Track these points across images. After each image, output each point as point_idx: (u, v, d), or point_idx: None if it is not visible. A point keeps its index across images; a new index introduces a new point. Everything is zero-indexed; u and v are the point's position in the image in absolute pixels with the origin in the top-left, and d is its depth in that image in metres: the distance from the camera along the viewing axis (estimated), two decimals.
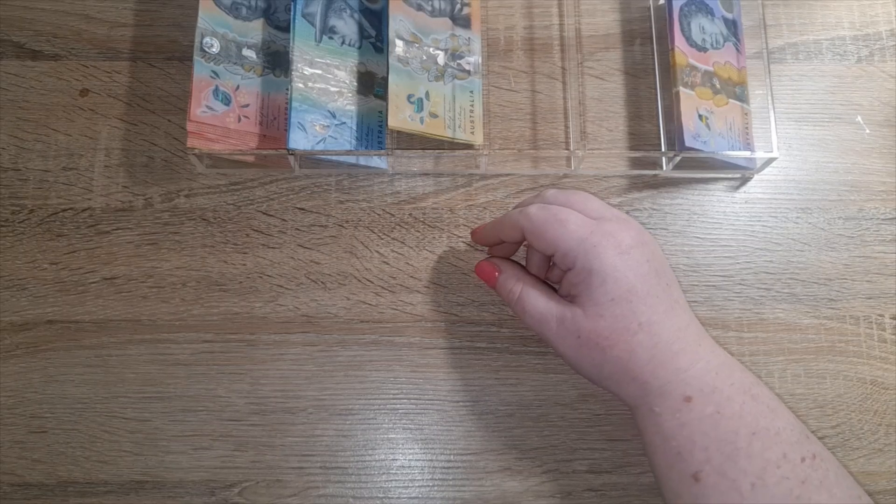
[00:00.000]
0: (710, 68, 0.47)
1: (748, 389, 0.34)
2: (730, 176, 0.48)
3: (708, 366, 0.35)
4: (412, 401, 0.44)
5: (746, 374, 0.36)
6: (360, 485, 0.43)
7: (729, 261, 0.46)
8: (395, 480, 0.43)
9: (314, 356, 0.44)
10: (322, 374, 0.44)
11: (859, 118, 0.49)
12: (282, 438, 0.43)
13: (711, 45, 0.47)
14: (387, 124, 0.43)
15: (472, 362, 0.45)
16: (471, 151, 0.46)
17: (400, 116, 0.44)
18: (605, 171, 0.47)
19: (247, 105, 0.45)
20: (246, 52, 0.46)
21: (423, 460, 0.43)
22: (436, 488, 0.43)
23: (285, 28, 0.47)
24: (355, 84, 0.46)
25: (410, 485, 0.43)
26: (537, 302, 0.37)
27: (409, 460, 0.43)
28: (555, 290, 0.39)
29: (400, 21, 0.45)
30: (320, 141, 0.44)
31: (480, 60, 0.47)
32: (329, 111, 0.45)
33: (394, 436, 0.44)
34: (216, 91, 0.44)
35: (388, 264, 0.46)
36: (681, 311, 0.36)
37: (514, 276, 0.39)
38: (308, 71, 0.45)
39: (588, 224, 0.36)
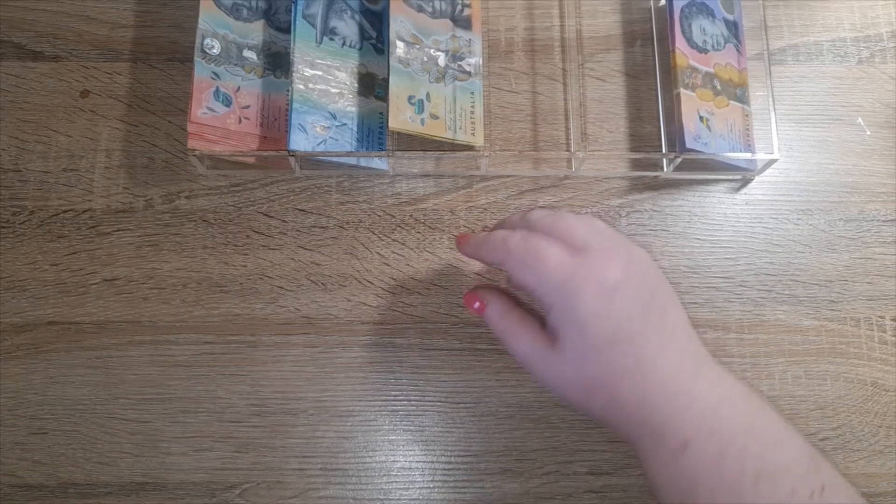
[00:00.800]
0: (711, 70, 0.47)
1: (752, 424, 0.32)
2: (730, 177, 0.48)
3: (707, 404, 0.32)
4: (413, 402, 0.44)
5: (750, 403, 0.33)
6: (360, 486, 0.43)
7: (729, 262, 0.46)
8: (396, 482, 0.43)
9: (315, 357, 0.44)
10: (323, 376, 0.44)
11: (860, 120, 0.49)
12: (282, 440, 0.43)
13: (712, 46, 0.47)
14: (387, 125, 0.43)
15: (473, 364, 0.44)
16: (471, 153, 0.46)
17: (401, 118, 0.44)
18: (605, 172, 0.47)
19: (247, 106, 0.45)
20: (247, 53, 0.46)
21: (424, 462, 0.43)
22: (436, 490, 0.43)
23: (286, 29, 0.47)
24: (356, 85, 0.46)
25: (411, 486, 0.43)
26: (520, 344, 0.35)
27: (409, 462, 0.43)
28: (541, 321, 0.36)
29: (401, 22, 0.45)
30: (321, 142, 0.44)
31: (481, 62, 0.47)
32: (330, 112, 0.45)
33: (394, 437, 0.44)
34: (217, 92, 0.44)
35: (388, 266, 0.46)
36: (675, 345, 0.33)
37: (499, 312, 0.37)
38: (309, 72, 0.45)
39: (568, 265, 0.33)
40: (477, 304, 0.37)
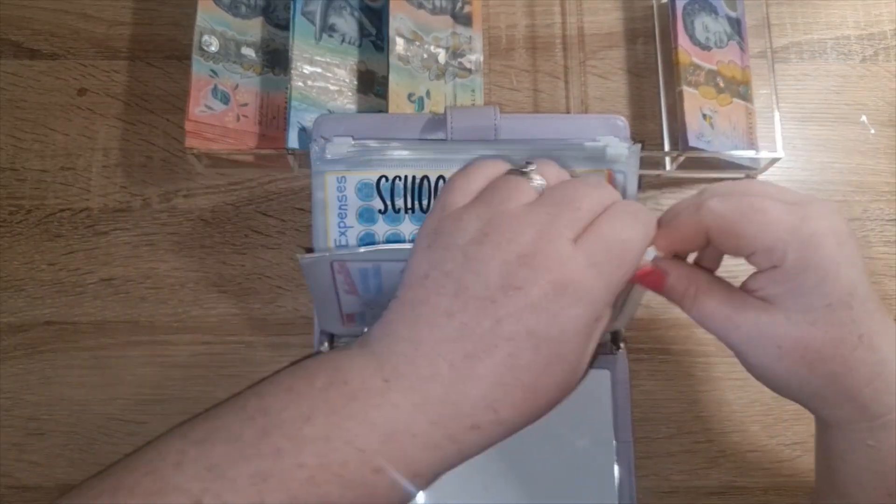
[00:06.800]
0: (714, 67, 0.46)
1: None
2: (734, 176, 0.47)
3: None
4: None
5: None
6: None
7: (733, 262, 0.46)
8: None
9: None
10: None
11: (864, 118, 0.49)
12: None
13: (715, 43, 0.47)
14: None
15: None
16: None
17: None
18: None
19: (246, 104, 0.45)
20: (245, 50, 0.46)
21: None
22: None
23: (285, 26, 0.47)
24: (355, 83, 0.46)
25: None
26: (720, 305, 0.30)
27: None
28: (733, 286, 0.32)
29: (400, 19, 0.45)
30: None
31: (482, 59, 0.47)
32: (329, 110, 0.44)
33: None
34: (215, 90, 0.44)
35: None
36: (890, 318, 0.29)
37: (686, 277, 0.31)
38: (307, 69, 0.44)
39: (794, 210, 0.28)
40: (659, 274, 0.31)
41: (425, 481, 0.27)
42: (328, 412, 0.25)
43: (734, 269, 0.45)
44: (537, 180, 0.29)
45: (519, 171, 0.29)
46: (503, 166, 0.31)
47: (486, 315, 0.26)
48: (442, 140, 0.36)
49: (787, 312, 0.29)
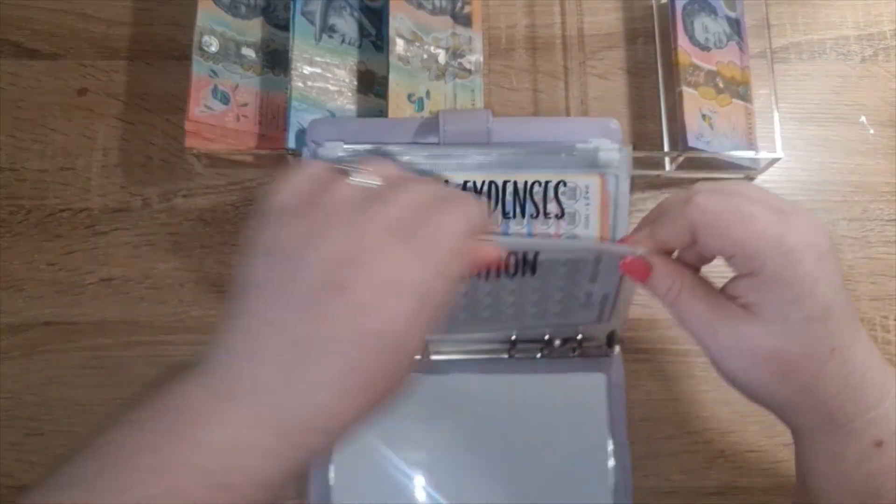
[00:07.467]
0: (714, 67, 0.46)
1: None
2: (733, 176, 0.47)
3: None
4: None
5: None
6: None
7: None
8: None
9: None
10: None
11: (863, 118, 0.49)
12: None
13: (714, 44, 0.47)
14: None
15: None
16: None
17: (400, 116, 0.43)
18: None
19: (245, 104, 0.45)
20: (245, 50, 0.46)
21: None
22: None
23: (284, 26, 0.47)
24: (355, 83, 0.46)
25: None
26: (701, 307, 0.31)
27: None
28: (715, 289, 0.32)
29: (400, 19, 0.45)
30: None
31: (482, 59, 0.47)
32: (329, 110, 0.44)
33: None
34: (215, 90, 0.44)
35: None
36: (862, 330, 0.30)
37: (671, 272, 0.32)
38: (307, 70, 0.44)
39: (779, 221, 0.28)
40: (643, 266, 0.32)
41: (280, 486, 0.26)
42: (163, 440, 0.25)
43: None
44: (362, 178, 0.28)
45: (343, 169, 0.29)
46: (328, 166, 0.30)
47: (309, 318, 0.25)
48: (434, 143, 0.36)
49: (764, 323, 0.29)
